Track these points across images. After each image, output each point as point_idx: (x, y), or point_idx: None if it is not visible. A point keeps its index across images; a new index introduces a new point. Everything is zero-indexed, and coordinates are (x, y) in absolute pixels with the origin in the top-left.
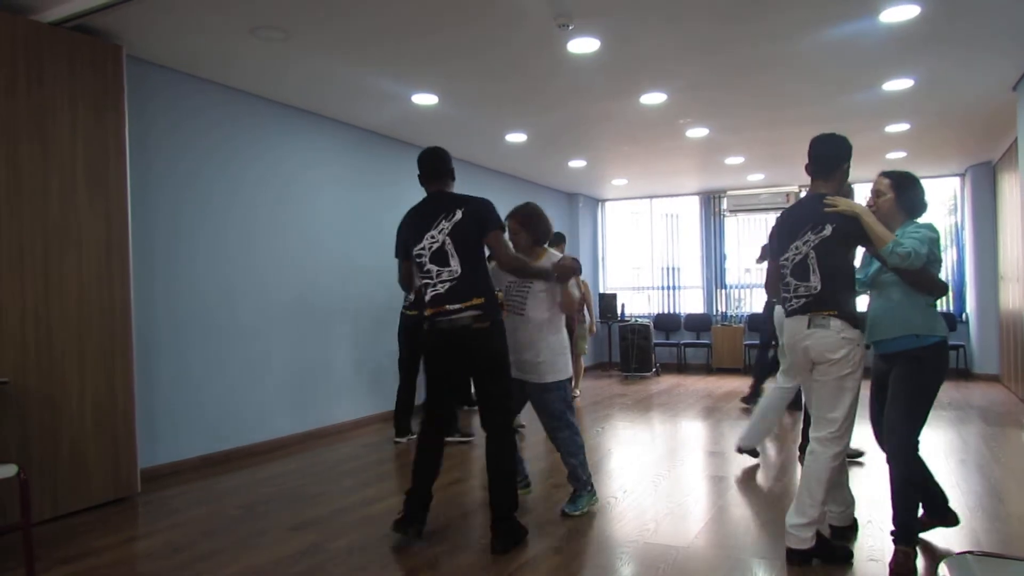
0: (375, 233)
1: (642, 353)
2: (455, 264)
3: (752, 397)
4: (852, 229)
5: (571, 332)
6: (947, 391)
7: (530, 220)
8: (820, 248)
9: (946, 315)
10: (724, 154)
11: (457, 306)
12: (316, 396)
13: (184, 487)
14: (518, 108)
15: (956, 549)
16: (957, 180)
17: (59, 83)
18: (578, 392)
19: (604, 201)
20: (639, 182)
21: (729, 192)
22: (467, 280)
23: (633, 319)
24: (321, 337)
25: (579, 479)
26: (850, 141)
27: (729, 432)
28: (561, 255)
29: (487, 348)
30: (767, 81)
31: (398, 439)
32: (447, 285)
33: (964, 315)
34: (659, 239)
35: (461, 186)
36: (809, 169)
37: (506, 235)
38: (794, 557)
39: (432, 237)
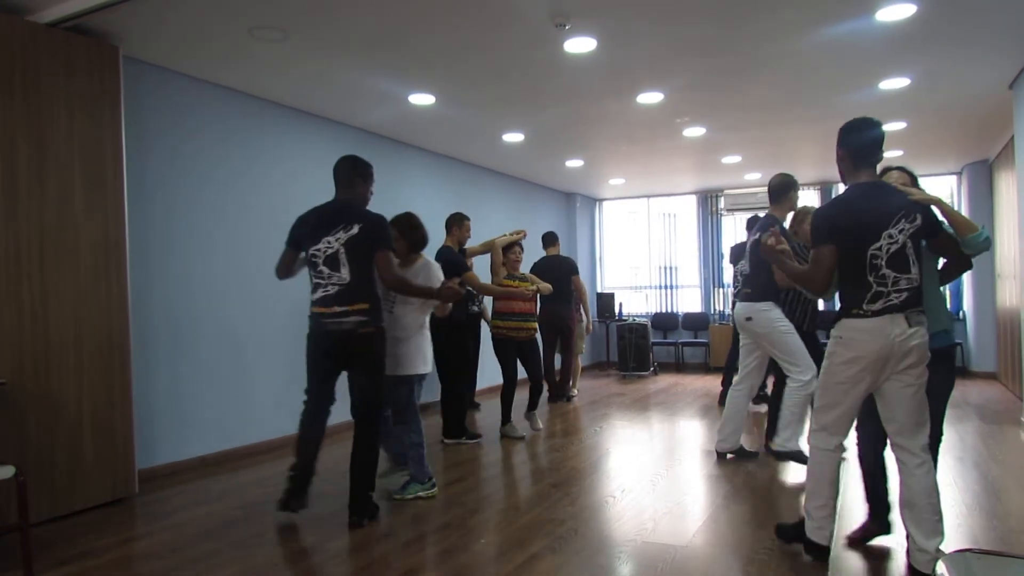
0: None
1: (640, 352)
2: (345, 272)
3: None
4: (934, 219)
5: (570, 332)
6: None
7: (407, 229)
8: (915, 238)
9: None
10: (721, 153)
11: (344, 309)
12: None
13: (182, 488)
14: (515, 108)
15: (954, 547)
16: (954, 178)
17: (55, 84)
18: (575, 391)
19: (601, 200)
20: (636, 181)
21: (726, 191)
22: (354, 287)
23: (631, 318)
24: None
25: (412, 469)
26: None
27: None
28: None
29: (370, 351)
30: (764, 80)
31: (447, 440)
32: (336, 288)
33: (961, 313)
34: (656, 238)
35: (460, 186)
36: (856, 158)
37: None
38: None
39: (328, 243)
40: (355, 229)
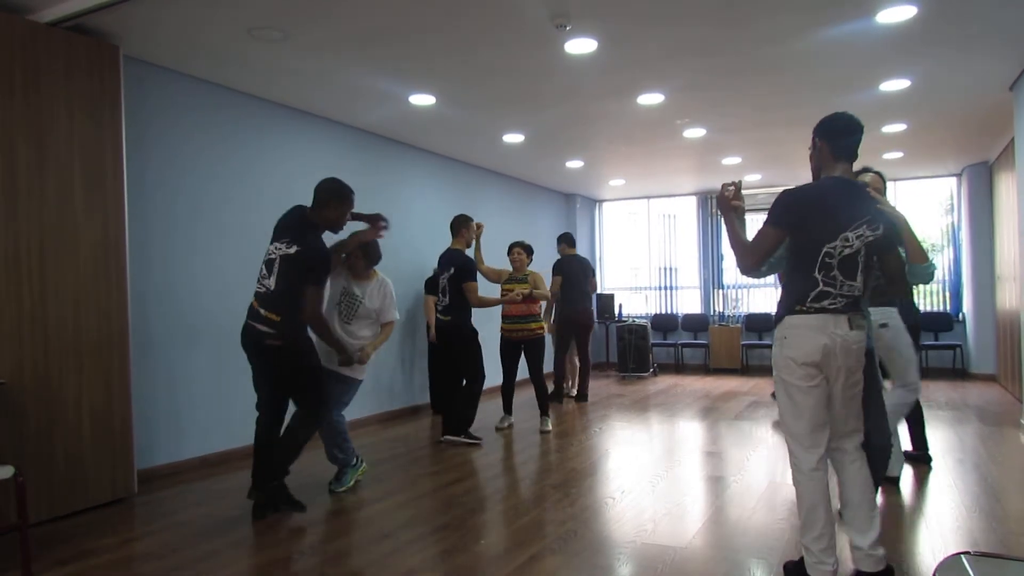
0: None
1: (640, 353)
2: (273, 281)
3: None
4: (892, 236)
5: (587, 330)
6: (944, 391)
7: (369, 248)
8: (871, 247)
9: (943, 315)
10: (721, 154)
11: (262, 312)
12: None
13: (181, 488)
14: (516, 108)
15: (953, 549)
16: (954, 180)
17: (56, 84)
18: (575, 392)
19: (601, 202)
20: (636, 182)
21: None
22: (275, 297)
23: (630, 319)
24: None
25: (340, 459)
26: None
27: (727, 432)
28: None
29: (278, 361)
30: (764, 82)
31: (447, 437)
32: (264, 291)
33: (961, 315)
34: (656, 239)
35: (460, 187)
36: (837, 151)
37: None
38: None
39: (276, 247)
40: (293, 249)
